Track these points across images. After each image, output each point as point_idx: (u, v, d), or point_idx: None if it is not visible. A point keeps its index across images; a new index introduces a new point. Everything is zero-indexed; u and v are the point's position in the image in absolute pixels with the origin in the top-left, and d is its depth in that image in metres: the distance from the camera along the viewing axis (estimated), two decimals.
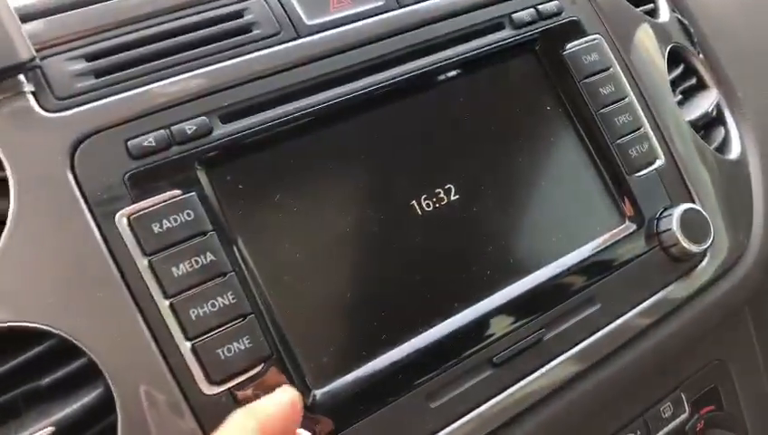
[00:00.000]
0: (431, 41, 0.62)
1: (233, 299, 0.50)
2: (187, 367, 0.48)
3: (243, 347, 0.49)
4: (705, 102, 0.76)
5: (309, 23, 0.58)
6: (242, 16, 0.57)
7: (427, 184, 0.59)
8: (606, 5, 0.71)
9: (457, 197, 0.59)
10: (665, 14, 0.78)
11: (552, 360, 0.58)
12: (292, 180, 0.55)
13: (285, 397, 0.45)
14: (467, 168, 0.61)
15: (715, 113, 0.76)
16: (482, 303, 0.57)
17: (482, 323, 0.57)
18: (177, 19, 0.55)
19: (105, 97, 0.51)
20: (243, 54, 0.56)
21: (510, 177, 0.62)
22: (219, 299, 0.49)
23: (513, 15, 0.66)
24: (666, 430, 0.65)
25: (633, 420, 0.63)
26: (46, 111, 0.50)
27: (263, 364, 0.50)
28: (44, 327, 0.46)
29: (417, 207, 0.58)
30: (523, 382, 0.57)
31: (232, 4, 0.57)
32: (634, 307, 0.62)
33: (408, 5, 0.62)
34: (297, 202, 0.55)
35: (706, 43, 0.79)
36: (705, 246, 0.64)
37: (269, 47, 0.57)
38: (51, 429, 0.45)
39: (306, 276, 0.53)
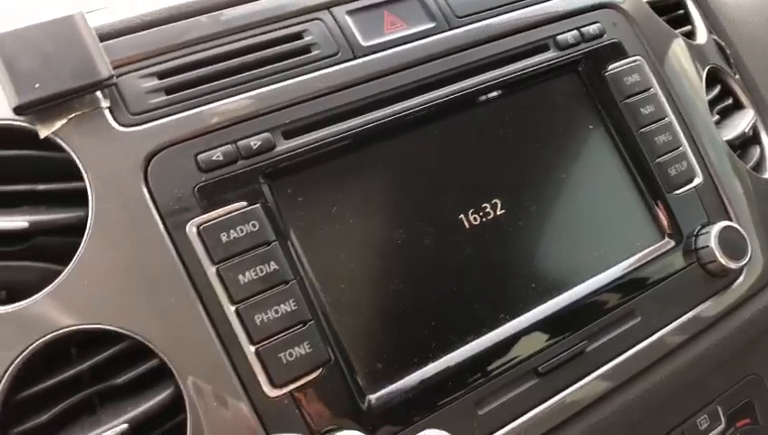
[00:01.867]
0: (479, 61, 0.64)
1: (294, 306, 0.52)
2: (251, 370, 0.51)
3: (303, 352, 0.52)
4: (742, 122, 0.77)
5: (365, 44, 0.61)
6: (302, 38, 0.60)
7: (474, 199, 0.61)
8: (646, 28, 0.73)
9: (503, 211, 0.62)
10: (702, 36, 0.80)
11: (594, 371, 0.61)
12: (349, 193, 0.57)
13: None
14: (513, 183, 0.63)
15: (751, 133, 0.78)
16: (527, 314, 0.60)
17: (527, 334, 0.59)
18: (241, 39, 0.58)
19: (176, 113, 0.54)
20: (303, 74, 0.58)
21: (553, 192, 0.65)
22: (282, 306, 0.52)
23: (558, 37, 0.68)
24: None
25: (671, 431, 0.65)
26: (121, 125, 0.53)
27: (322, 369, 0.52)
28: (119, 330, 0.49)
29: (465, 220, 0.60)
30: (566, 392, 0.59)
31: (293, 25, 0.60)
32: (673, 322, 0.64)
33: (458, 27, 0.65)
34: (353, 214, 0.57)
35: (743, 65, 0.81)
36: (743, 263, 0.66)
37: (327, 67, 0.59)
38: (125, 426, 0.48)
39: (361, 285, 0.56)
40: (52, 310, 0.49)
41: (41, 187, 0.52)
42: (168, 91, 0.55)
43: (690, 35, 0.79)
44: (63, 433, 0.49)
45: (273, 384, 0.51)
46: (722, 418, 0.68)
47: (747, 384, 0.71)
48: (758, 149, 0.78)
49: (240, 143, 0.55)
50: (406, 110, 0.60)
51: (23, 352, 0.48)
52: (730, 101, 0.80)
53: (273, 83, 0.57)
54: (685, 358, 0.65)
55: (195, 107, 0.55)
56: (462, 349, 0.57)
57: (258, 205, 0.54)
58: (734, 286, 0.68)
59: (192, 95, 0.55)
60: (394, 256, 0.58)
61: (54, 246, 0.51)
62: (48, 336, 0.49)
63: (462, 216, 0.61)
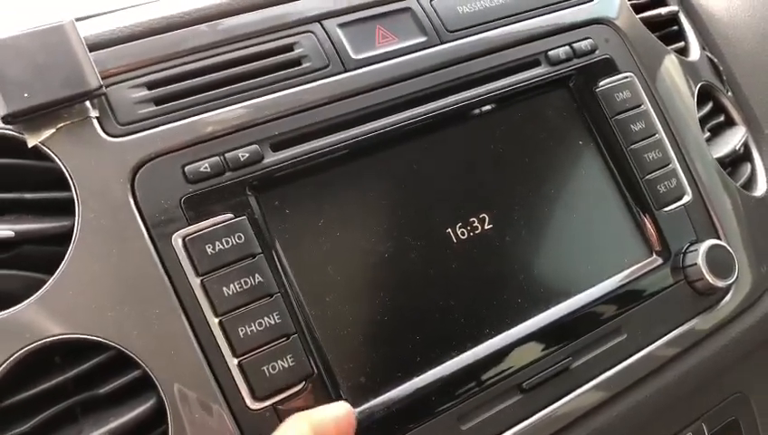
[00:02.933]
0: (471, 76, 0.64)
1: (278, 319, 0.53)
2: (233, 382, 0.51)
3: (286, 365, 0.52)
4: (733, 139, 0.78)
5: (355, 57, 0.61)
6: (293, 50, 0.60)
7: (462, 213, 0.61)
8: (638, 44, 0.73)
9: (491, 226, 0.62)
10: (695, 53, 0.80)
11: (578, 387, 0.61)
12: (336, 207, 0.58)
13: (341, 409, 0.48)
14: (501, 198, 0.63)
15: (742, 150, 0.78)
16: (513, 330, 0.60)
17: (512, 349, 0.59)
18: (232, 51, 0.58)
19: (164, 124, 0.55)
20: (293, 86, 0.59)
21: (541, 208, 0.65)
22: (266, 319, 0.52)
23: (550, 53, 0.68)
24: None
25: None
26: (110, 135, 0.53)
27: (304, 382, 0.52)
28: (102, 340, 0.50)
29: (452, 235, 0.61)
30: (550, 408, 0.59)
31: (284, 37, 0.60)
32: (659, 339, 0.64)
33: (449, 42, 0.65)
34: (340, 227, 0.57)
35: (735, 82, 0.81)
36: (730, 282, 0.66)
37: (318, 79, 0.60)
38: None
39: (346, 299, 0.56)
40: (36, 319, 0.49)
41: (28, 196, 0.52)
42: (157, 101, 0.55)
43: (683, 52, 0.79)
44: None
45: (256, 397, 0.51)
46: None
47: (733, 402, 0.71)
48: (749, 167, 0.78)
49: (228, 155, 0.55)
50: (395, 123, 0.60)
51: (6, 360, 0.48)
52: (722, 117, 0.80)
53: (262, 95, 0.57)
54: (670, 375, 0.65)
55: (183, 118, 0.55)
56: (446, 364, 0.57)
57: (244, 217, 0.54)
58: (722, 305, 0.68)
59: (181, 106, 0.55)
60: (380, 270, 0.58)
61: (40, 256, 0.51)
62: (32, 345, 0.49)
63: (449, 230, 0.61)
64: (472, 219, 0.62)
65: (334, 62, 0.61)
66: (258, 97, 0.57)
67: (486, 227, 0.62)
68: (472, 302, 0.60)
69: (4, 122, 0.51)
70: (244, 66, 0.58)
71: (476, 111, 0.65)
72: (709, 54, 0.82)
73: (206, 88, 0.57)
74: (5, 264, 0.51)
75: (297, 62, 0.60)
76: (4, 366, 0.48)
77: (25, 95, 0.50)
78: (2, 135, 0.52)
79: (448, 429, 0.56)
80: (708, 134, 0.76)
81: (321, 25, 0.61)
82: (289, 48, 0.60)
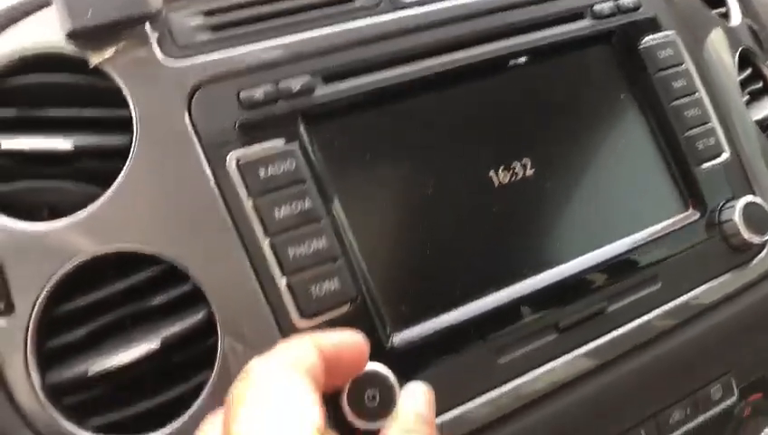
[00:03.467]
0: (517, 23, 0.65)
1: (326, 243, 0.54)
2: (281, 300, 0.52)
3: (333, 287, 0.53)
4: None
5: None
6: None
7: (505, 157, 0.62)
8: (682, 5, 0.74)
9: (533, 171, 0.63)
10: (736, 19, 0.80)
11: (612, 331, 0.61)
12: (384, 142, 0.59)
13: (350, 336, 0.48)
14: (543, 145, 0.64)
15: None
16: (551, 271, 0.61)
17: (550, 290, 0.60)
18: None
19: (220, 50, 0.56)
20: (345, 22, 0.60)
21: (582, 157, 0.66)
22: (314, 242, 0.53)
23: (594, 7, 0.69)
24: (713, 411, 0.67)
25: (684, 398, 0.65)
26: (168, 58, 0.54)
27: (349, 304, 0.54)
28: (155, 253, 0.51)
29: (495, 177, 0.62)
30: (584, 349, 0.60)
31: None
32: (693, 290, 0.65)
33: None
34: (386, 162, 0.58)
35: None
36: (765, 238, 0.67)
37: (369, 16, 0.61)
38: (157, 344, 0.50)
39: (390, 230, 0.58)
40: (91, 230, 0.50)
41: (87, 112, 0.53)
42: (215, 28, 0.56)
43: (725, 17, 0.80)
44: (97, 349, 0.50)
45: (303, 315, 0.52)
46: (735, 390, 0.68)
47: (763, 360, 0.72)
48: None
49: (281, 84, 0.56)
50: (442, 65, 0.61)
51: (62, 268, 0.50)
52: (760, 84, 0.80)
53: (315, 28, 0.58)
54: (702, 327, 0.66)
55: (239, 45, 0.56)
56: (485, 299, 0.58)
57: (296, 144, 0.55)
58: (756, 261, 0.69)
59: (237, 34, 0.57)
60: (424, 206, 0.59)
61: (97, 170, 0.52)
62: (86, 255, 0.50)
63: (492, 172, 0.62)
64: (514, 164, 0.62)
65: (385, 0, 0.62)
66: (312, 30, 0.58)
67: (528, 173, 0.63)
68: (512, 243, 0.61)
69: (68, 38, 0.52)
70: None
71: (520, 59, 0.66)
72: (749, 22, 0.82)
73: (261, 18, 0.58)
74: (64, 176, 0.52)
75: None
76: (58, 275, 0.49)
77: (89, 14, 0.51)
78: (64, 53, 0.53)
79: (485, 361, 0.57)
80: (747, 98, 0.77)
81: None
82: None
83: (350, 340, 0.48)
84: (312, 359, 0.44)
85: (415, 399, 0.48)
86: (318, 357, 0.44)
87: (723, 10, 0.80)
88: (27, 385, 0.49)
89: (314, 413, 0.38)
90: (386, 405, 0.50)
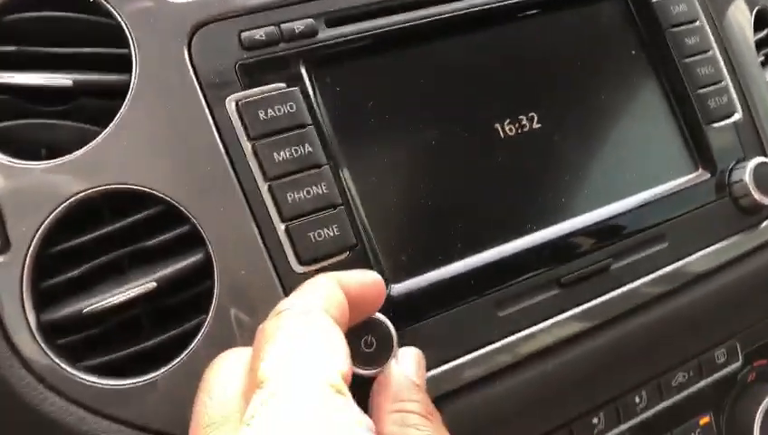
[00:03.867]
0: None
1: (325, 189, 0.53)
2: (280, 245, 0.51)
3: (331, 234, 0.52)
4: None
5: None
6: None
7: (511, 110, 0.61)
8: None
9: (539, 125, 0.62)
10: None
11: (616, 288, 0.61)
12: (387, 89, 0.58)
13: (369, 275, 0.49)
14: (551, 99, 0.63)
15: None
16: (555, 227, 0.60)
17: (553, 245, 0.59)
18: None
19: None
20: None
21: (590, 113, 0.64)
22: (314, 187, 0.53)
23: None
24: (717, 375, 0.66)
25: (688, 361, 0.65)
26: None
27: (348, 252, 0.53)
28: (153, 192, 0.50)
29: (500, 129, 0.60)
30: (585, 306, 0.59)
31: None
32: (700, 250, 0.64)
33: None
34: (389, 110, 0.57)
35: None
36: None
37: None
38: (153, 284, 0.49)
39: (392, 180, 0.56)
40: (89, 168, 0.50)
41: (87, 49, 0.52)
42: None
43: None
44: (93, 289, 0.50)
45: (301, 261, 0.52)
46: (740, 355, 0.68)
47: None
48: None
49: (283, 26, 0.55)
50: (449, 12, 0.60)
51: (58, 207, 0.49)
52: None
53: None
54: (708, 289, 0.65)
55: None
56: (487, 252, 0.57)
57: (297, 88, 0.54)
58: (765, 224, 0.68)
59: None
60: (427, 155, 0.58)
61: (96, 108, 0.52)
62: (83, 193, 0.49)
63: (498, 125, 0.60)
64: (521, 117, 0.61)
65: None
66: None
67: (535, 126, 0.62)
68: (516, 196, 0.60)
69: None
70: None
71: (532, 10, 0.64)
72: None
73: None
74: (62, 114, 0.52)
75: None
76: (55, 213, 0.49)
77: None
78: None
79: (485, 313, 0.56)
80: (762, 58, 0.75)
81: None
82: None
83: (371, 279, 0.48)
84: (339, 299, 0.44)
85: (406, 365, 0.49)
86: (343, 297, 0.45)
87: None
88: (23, 323, 0.48)
89: (340, 357, 0.39)
90: (383, 352, 0.49)
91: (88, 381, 0.49)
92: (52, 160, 0.50)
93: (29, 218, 0.49)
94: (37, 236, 0.49)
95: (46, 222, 0.49)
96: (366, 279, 0.48)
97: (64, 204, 0.49)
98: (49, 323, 0.49)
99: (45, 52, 0.52)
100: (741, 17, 0.74)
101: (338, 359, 0.38)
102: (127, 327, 0.50)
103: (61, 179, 0.50)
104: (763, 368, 0.69)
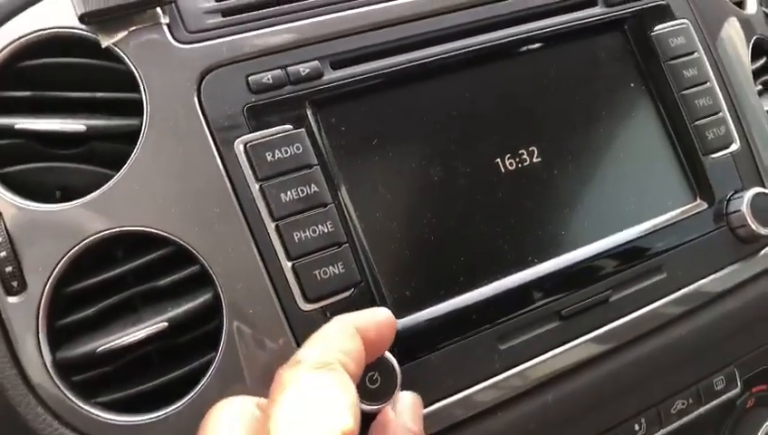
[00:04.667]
0: (528, 10, 0.65)
1: (331, 228, 0.54)
2: (287, 283, 0.53)
3: (337, 271, 0.54)
4: None
5: None
6: None
7: (512, 144, 0.63)
8: None
9: (539, 159, 0.63)
10: (752, 7, 0.80)
11: (615, 320, 0.62)
12: (391, 127, 0.59)
13: (383, 313, 0.50)
14: (551, 133, 0.64)
15: None
16: (555, 259, 0.61)
17: (554, 278, 0.60)
18: None
19: (230, 35, 0.56)
20: (355, 8, 0.60)
21: (590, 146, 0.65)
22: (319, 226, 0.54)
23: None
24: (716, 401, 0.67)
25: (687, 388, 0.66)
26: (178, 42, 0.55)
27: (353, 289, 0.54)
28: (164, 234, 0.52)
29: (501, 164, 0.62)
30: (586, 337, 0.61)
31: None
32: (698, 281, 0.65)
33: None
34: (393, 147, 0.59)
35: None
36: None
37: (378, 3, 0.61)
38: (164, 324, 0.51)
39: (395, 216, 0.58)
40: (102, 211, 0.52)
41: (99, 94, 0.54)
42: (225, 13, 0.57)
43: (740, 5, 0.79)
44: (106, 328, 0.51)
45: (307, 299, 0.53)
46: (738, 381, 0.69)
47: (766, 352, 0.72)
48: None
49: (290, 69, 0.56)
50: (452, 51, 0.62)
51: (73, 248, 0.51)
52: None
53: (325, 14, 0.59)
54: (706, 318, 0.66)
55: (249, 30, 0.57)
56: (489, 286, 0.59)
57: (303, 130, 0.56)
58: (763, 253, 0.69)
59: (247, 19, 0.57)
60: (429, 191, 0.59)
61: (109, 152, 0.54)
62: (97, 235, 0.51)
63: (498, 159, 0.62)
64: (521, 151, 0.63)
65: None
66: (321, 16, 0.59)
67: (535, 160, 0.63)
68: (517, 230, 0.61)
69: (80, 21, 0.53)
70: None
71: (531, 46, 0.66)
72: (765, 10, 0.81)
73: (271, 3, 0.58)
74: (76, 158, 0.53)
75: None
76: (70, 254, 0.51)
77: None
78: (77, 35, 0.54)
79: (487, 347, 0.57)
80: (760, 87, 0.76)
81: None
82: None
83: (386, 318, 0.50)
84: (358, 350, 0.46)
85: (403, 411, 0.51)
86: (361, 348, 0.47)
87: None
88: (38, 361, 0.50)
89: (347, 418, 0.40)
90: (387, 388, 0.51)
91: (102, 417, 0.50)
92: (66, 203, 0.51)
93: (44, 260, 0.51)
94: (52, 277, 0.51)
95: (61, 263, 0.51)
96: (380, 318, 0.50)
97: (78, 246, 0.51)
98: (64, 361, 0.50)
99: (59, 96, 0.54)
100: (739, 47, 0.75)
101: (345, 419, 0.40)
102: (139, 364, 0.52)
103: (75, 222, 0.51)
104: (761, 394, 0.70)
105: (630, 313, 0.62)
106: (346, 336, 0.47)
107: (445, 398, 0.56)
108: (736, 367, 0.69)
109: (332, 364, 0.44)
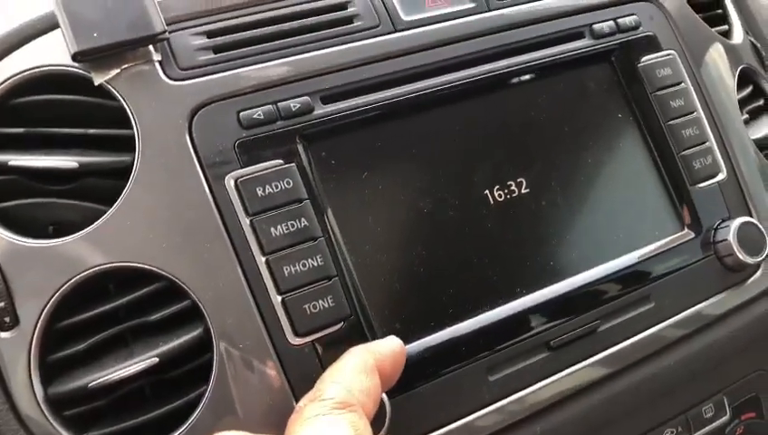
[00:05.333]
0: (516, 44, 0.66)
1: (321, 262, 0.55)
2: (276, 318, 0.54)
3: (326, 305, 0.54)
4: None
5: (405, 18, 0.63)
6: (346, 8, 0.62)
7: (500, 176, 0.63)
8: (682, 24, 0.74)
9: (528, 190, 0.64)
10: (738, 36, 0.81)
11: (604, 350, 0.62)
12: (380, 161, 0.60)
13: (397, 343, 0.53)
14: (539, 164, 0.65)
15: None
16: (543, 290, 0.62)
17: (542, 308, 0.61)
18: (289, 6, 0.61)
19: (222, 71, 0.57)
20: (345, 43, 0.61)
21: (578, 176, 0.66)
22: (309, 260, 0.55)
23: (594, 26, 0.70)
24: (705, 429, 0.68)
25: (676, 416, 0.66)
26: (170, 79, 0.56)
27: (342, 323, 0.55)
28: (155, 269, 0.52)
29: (490, 196, 0.63)
30: (575, 368, 0.61)
31: None
32: (686, 310, 0.66)
33: (496, 9, 0.67)
34: (382, 181, 0.60)
35: None
36: (760, 259, 0.67)
37: (368, 38, 0.62)
38: (155, 359, 0.51)
39: (385, 249, 0.59)
40: (94, 247, 0.52)
41: (92, 131, 0.55)
42: (216, 50, 0.58)
43: (726, 34, 0.80)
44: (98, 362, 0.52)
45: (297, 333, 0.54)
46: (727, 409, 0.69)
47: (756, 379, 0.73)
48: None
49: (280, 104, 0.57)
50: (440, 85, 0.63)
51: (65, 283, 0.51)
52: (761, 102, 0.81)
53: (315, 50, 0.60)
54: (694, 346, 0.66)
55: (240, 67, 0.58)
56: (478, 317, 0.59)
57: (293, 164, 0.56)
58: (750, 282, 0.70)
59: (238, 55, 0.58)
60: (419, 224, 0.60)
61: (101, 188, 0.54)
62: (89, 271, 0.52)
63: (487, 191, 0.63)
64: (509, 182, 0.64)
65: (385, 22, 0.63)
66: (311, 51, 0.60)
67: (523, 191, 0.64)
68: (506, 261, 0.62)
69: (73, 60, 0.53)
70: (299, 21, 0.61)
71: (519, 78, 0.67)
72: (752, 39, 0.83)
73: (262, 39, 0.59)
74: (68, 194, 0.54)
75: (349, 20, 0.62)
76: (63, 289, 0.51)
77: (94, 35, 0.53)
78: (70, 73, 0.55)
79: (476, 378, 0.58)
80: (747, 116, 0.77)
81: None
82: (342, 6, 0.62)
83: (399, 348, 0.53)
84: (376, 390, 0.49)
85: None
86: (378, 381, 0.49)
87: (725, 28, 0.81)
88: (30, 396, 0.51)
89: None
90: (377, 422, 0.51)
91: None
92: (58, 239, 0.52)
93: (37, 295, 0.51)
94: (45, 312, 0.51)
95: (53, 299, 0.51)
96: (396, 349, 0.52)
97: (70, 281, 0.51)
98: (56, 396, 0.51)
99: (52, 132, 0.55)
100: (725, 76, 0.76)
101: None
102: (131, 398, 0.52)
103: (67, 257, 0.52)
104: (750, 421, 0.71)
105: (619, 342, 0.63)
106: (366, 372, 0.49)
107: (434, 430, 0.56)
108: (725, 395, 0.70)
109: (353, 406, 0.46)
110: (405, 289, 0.58)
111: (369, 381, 0.48)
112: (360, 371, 0.49)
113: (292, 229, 0.55)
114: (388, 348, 0.52)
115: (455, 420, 0.57)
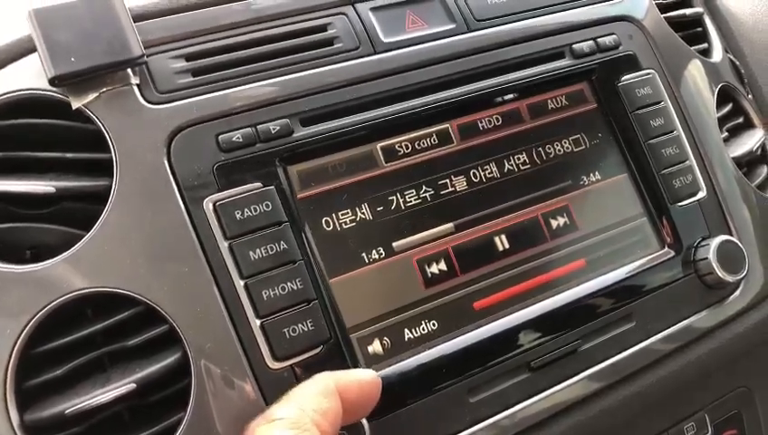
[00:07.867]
0: (496, 64, 0.67)
1: (300, 285, 0.55)
2: (255, 342, 0.53)
3: (306, 329, 0.54)
4: (751, 141, 0.79)
5: (385, 40, 0.64)
6: (326, 30, 0.62)
7: (479, 198, 0.63)
8: (661, 43, 0.75)
9: (508, 209, 0.64)
10: (718, 55, 0.81)
11: (585, 370, 0.62)
12: (360, 183, 0.60)
13: (367, 374, 0.52)
14: (520, 183, 0.65)
15: (759, 152, 0.79)
16: (524, 310, 0.62)
17: (523, 329, 0.61)
18: (269, 28, 0.61)
19: (200, 94, 0.57)
20: (325, 65, 0.61)
21: (558, 195, 0.66)
22: (288, 284, 0.55)
23: (574, 46, 0.70)
24: None
25: None
26: (149, 102, 0.56)
27: (322, 346, 0.55)
28: (133, 294, 0.52)
29: (469, 214, 0.63)
30: (556, 388, 0.61)
31: (318, 18, 0.63)
32: (667, 328, 0.66)
33: (476, 30, 0.67)
34: (362, 203, 0.60)
35: (756, 85, 0.83)
36: (740, 277, 0.67)
37: (348, 60, 0.62)
38: (133, 385, 0.51)
39: (364, 271, 0.58)
40: (71, 271, 0.52)
41: (69, 155, 0.55)
42: (195, 73, 0.58)
43: (706, 53, 0.81)
44: (75, 388, 0.51)
45: (275, 357, 0.53)
46: (709, 426, 0.69)
47: (737, 396, 0.73)
48: (765, 169, 0.79)
49: (260, 127, 0.57)
50: (420, 106, 0.63)
51: (42, 309, 0.51)
52: (741, 119, 0.81)
53: (295, 72, 0.60)
54: (675, 365, 0.66)
55: (219, 90, 0.58)
56: (458, 338, 0.59)
57: (273, 187, 0.56)
58: (730, 300, 0.70)
59: (217, 78, 0.58)
60: (397, 245, 0.60)
61: (78, 212, 0.54)
62: (66, 296, 0.51)
63: (467, 210, 0.63)
64: (489, 202, 0.64)
65: (365, 43, 0.63)
66: (291, 74, 0.60)
67: (503, 210, 0.64)
68: (486, 281, 0.62)
69: (50, 84, 0.53)
70: (278, 43, 0.61)
71: (500, 98, 0.67)
72: (731, 57, 0.83)
73: (241, 62, 0.59)
74: (46, 218, 0.54)
75: (329, 42, 0.62)
76: (39, 315, 0.51)
77: (72, 59, 0.53)
78: (48, 97, 0.55)
79: (457, 400, 0.58)
80: (726, 134, 0.78)
81: (354, 8, 0.64)
82: (322, 28, 0.63)
83: (370, 380, 0.51)
84: (334, 411, 0.48)
85: None
86: (339, 408, 0.48)
87: (704, 46, 0.81)
88: (6, 423, 0.50)
89: None
90: None
91: None
92: (35, 264, 0.52)
93: (13, 321, 0.51)
94: (21, 338, 0.51)
95: (30, 324, 0.51)
96: (363, 378, 0.51)
97: (48, 306, 0.51)
98: (32, 423, 0.50)
99: (29, 156, 0.54)
100: (704, 95, 0.76)
101: None
102: (109, 424, 0.52)
103: (45, 282, 0.51)
104: None
105: (600, 362, 0.63)
106: (324, 395, 0.48)
107: None
108: (707, 412, 0.70)
109: (306, 425, 0.45)
110: (384, 312, 0.58)
111: (326, 402, 0.47)
112: (318, 392, 0.48)
113: (270, 253, 0.55)
114: (355, 377, 0.51)
115: None
